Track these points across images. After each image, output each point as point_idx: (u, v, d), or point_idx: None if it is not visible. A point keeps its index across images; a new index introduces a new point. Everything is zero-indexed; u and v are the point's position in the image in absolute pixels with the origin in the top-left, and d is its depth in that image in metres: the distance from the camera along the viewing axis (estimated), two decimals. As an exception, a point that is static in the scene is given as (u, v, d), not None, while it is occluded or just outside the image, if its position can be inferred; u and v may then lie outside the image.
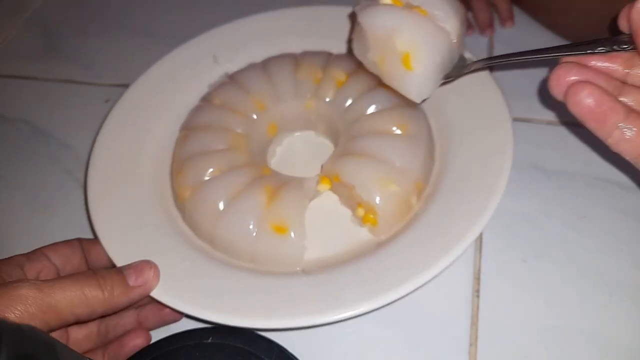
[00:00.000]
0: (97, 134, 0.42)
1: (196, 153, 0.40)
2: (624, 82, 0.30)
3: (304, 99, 0.44)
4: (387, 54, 0.34)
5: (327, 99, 0.43)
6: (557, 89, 0.30)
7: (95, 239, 0.36)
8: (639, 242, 0.38)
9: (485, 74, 0.42)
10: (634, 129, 0.28)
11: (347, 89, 0.42)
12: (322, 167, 0.40)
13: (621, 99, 0.30)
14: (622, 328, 0.34)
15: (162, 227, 0.37)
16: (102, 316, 0.32)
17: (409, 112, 0.40)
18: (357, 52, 0.36)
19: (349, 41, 0.36)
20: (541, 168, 0.42)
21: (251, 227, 0.36)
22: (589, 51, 0.30)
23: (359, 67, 0.44)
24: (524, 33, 0.52)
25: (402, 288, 0.32)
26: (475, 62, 0.35)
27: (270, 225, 0.36)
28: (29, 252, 0.34)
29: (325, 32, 0.48)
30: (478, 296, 0.36)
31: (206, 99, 0.44)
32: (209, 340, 0.32)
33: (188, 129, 0.42)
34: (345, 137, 0.41)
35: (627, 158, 0.29)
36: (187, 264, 0.35)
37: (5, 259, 0.33)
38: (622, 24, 0.30)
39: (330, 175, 0.39)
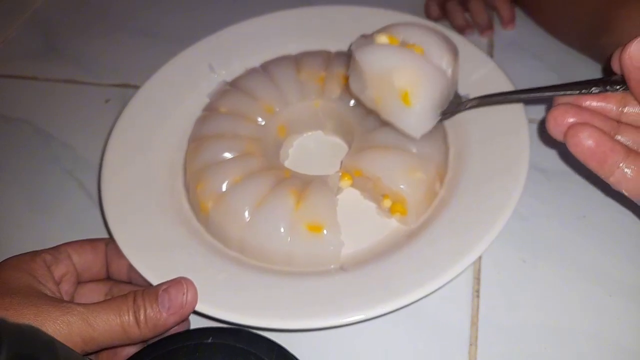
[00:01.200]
0: (101, 165, 0.40)
1: (212, 163, 0.39)
2: (619, 121, 0.31)
3: (310, 99, 0.44)
4: (386, 91, 0.35)
5: (334, 97, 0.43)
6: (555, 130, 0.30)
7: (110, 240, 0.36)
8: (639, 242, 0.38)
9: (494, 68, 0.43)
10: (634, 168, 0.28)
11: None
12: (341, 163, 0.41)
13: (618, 137, 0.30)
14: (622, 328, 0.34)
15: (189, 243, 0.37)
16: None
17: None
18: (354, 88, 0.37)
19: (346, 78, 0.36)
20: (541, 168, 0.42)
21: (285, 230, 0.35)
22: (583, 91, 0.31)
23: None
24: (525, 34, 0.52)
25: (447, 274, 0.32)
26: (471, 99, 0.37)
27: (304, 226, 0.35)
28: (53, 249, 0.34)
29: (319, 32, 0.48)
30: (478, 296, 0.36)
31: (211, 108, 0.44)
32: (209, 340, 0.32)
33: (198, 139, 0.41)
34: (359, 132, 0.41)
35: (629, 196, 0.30)
36: (224, 276, 0.34)
37: (32, 254, 0.33)
38: (615, 66, 0.31)
39: (351, 171, 0.39)
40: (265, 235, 0.36)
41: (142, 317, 0.30)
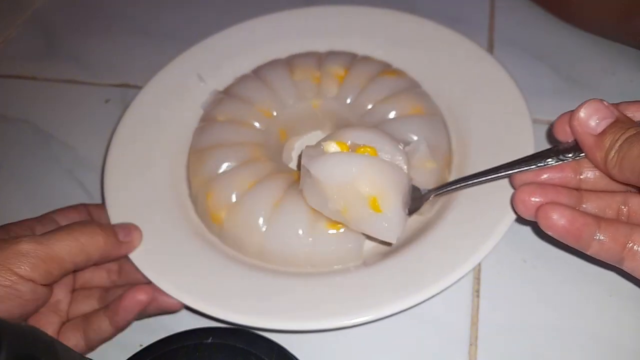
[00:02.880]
0: (102, 170, 0.40)
1: (220, 172, 0.38)
2: (579, 189, 0.31)
3: (307, 100, 0.43)
4: (351, 201, 0.33)
5: (331, 96, 0.43)
6: (525, 212, 0.31)
7: (99, 205, 0.38)
8: (639, 242, 0.38)
9: (494, 64, 0.43)
10: (608, 235, 0.29)
11: (350, 83, 0.42)
12: None
13: (583, 207, 0.31)
14: (622, 328, 0.34)
15: (207, 254, 0.36)
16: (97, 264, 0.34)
17: (418, 93, 0.41)
18: (313, 203, 0.35)
19: (300, 191, 0.35)
20: (541, 168, 0.42)
21: (304, 232, 0.35)
22: (540, 165, 0.31)
23: (356, 59, 0.44)
24: (525, 33, 0.52)
25: (470, 261, 0.33)
26: (430, 191, 0.36)
27: (325, 226, 0.35)
28: (39, 217, 0.35)
29: (318, 32, 0.48)
30: (478, 296, 0.36)
31: (208, 118, 0.43)
32: (209, 340, 0.32)
33: (199, 151, 0.41)
34: None
35: (610, 263, 0.30)
36: (247, 283, 0.34)
37: (17, 222, 0.34)
38: (559, 135, 0.31)
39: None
40: (286, 239, 0.35)
41: (105, 231, 0.33)
